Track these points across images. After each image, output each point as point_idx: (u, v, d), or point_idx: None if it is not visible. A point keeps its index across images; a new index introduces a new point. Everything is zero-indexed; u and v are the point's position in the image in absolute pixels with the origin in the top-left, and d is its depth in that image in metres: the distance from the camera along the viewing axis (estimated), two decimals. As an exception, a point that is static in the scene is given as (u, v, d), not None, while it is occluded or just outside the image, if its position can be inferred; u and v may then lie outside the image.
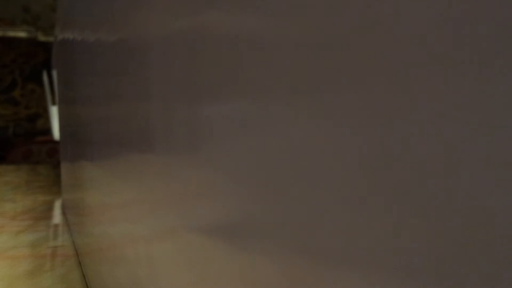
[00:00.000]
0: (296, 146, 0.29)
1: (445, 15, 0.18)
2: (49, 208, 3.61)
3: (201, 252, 0.48)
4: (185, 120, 0.52)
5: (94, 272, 1.51)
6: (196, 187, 0.49)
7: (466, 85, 0.17)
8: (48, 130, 7.86)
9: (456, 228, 0.18)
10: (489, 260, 0.17)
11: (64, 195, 3.38)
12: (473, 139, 0.17)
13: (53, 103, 7.30)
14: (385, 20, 0.21)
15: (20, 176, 5.87)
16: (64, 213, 3.30)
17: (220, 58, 0.41)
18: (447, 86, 0.18)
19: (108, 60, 1.08)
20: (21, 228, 2.85)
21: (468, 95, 0.17)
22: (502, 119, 0.16)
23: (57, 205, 3.77)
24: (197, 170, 0.48)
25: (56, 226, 2.97)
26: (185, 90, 0.52)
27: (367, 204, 0.23)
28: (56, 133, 7.27)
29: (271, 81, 0.32)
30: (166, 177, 0.61)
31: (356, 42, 0.23)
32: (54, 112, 7.32)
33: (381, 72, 0.21)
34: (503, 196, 0.16)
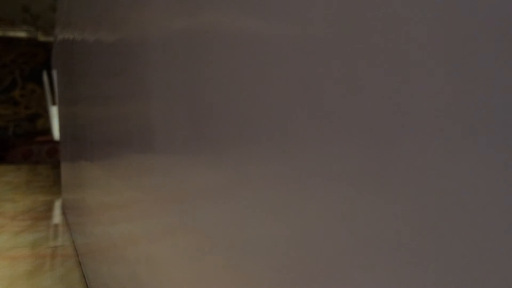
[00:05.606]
0: (296, 145, 0.29)
1: (444, 15, 0.18)
2: (49, 208, 3.61)
3: (201, 252, 0.48)
4: (185, 120, 0.52)
5: (94, 272, 1.51)
6: (196, 187, 0.49)
7: (465, 85, 0.17)
8: (48, 130, 7.87)
9: (458, 229, 0.18)
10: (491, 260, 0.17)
11: (64, 195, 3.38)
12: (473, 139, 0.17)
13: (53, 103, 7.30)
14: (384, 22, 0.21)
15: (20, 176, 5.87)
16: (64, 213, 3.30)
17: (220, 58, 0.41)
18: (446, 87, 0.18)
19: (108, 60, 1.08)
20: (21, 228, 2.86)
21: (468, 95, 0.17)
22: (502, 119, 0.16)
23: (57, 205, 3.77)
24: (197, 170, 0.48)
25: (56, 226, 2.97)
26: (185, 90, 0.52)
27: (366, 203, 0.23)
28: (56, 133, 7.27)
29: (272, 79, 0.32)
30: (166, 177, 0.61)
31: (355, 44, 0.23)
32: (54, 112, 7.32)
33: (380, 74, 0.21)
34: (503, 196, 0.16)
